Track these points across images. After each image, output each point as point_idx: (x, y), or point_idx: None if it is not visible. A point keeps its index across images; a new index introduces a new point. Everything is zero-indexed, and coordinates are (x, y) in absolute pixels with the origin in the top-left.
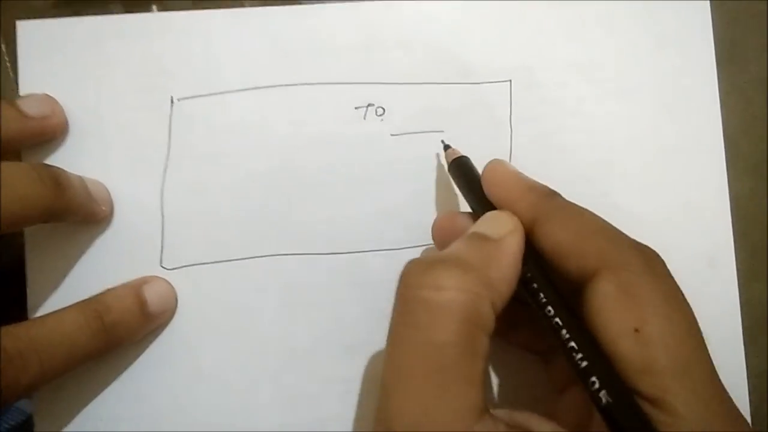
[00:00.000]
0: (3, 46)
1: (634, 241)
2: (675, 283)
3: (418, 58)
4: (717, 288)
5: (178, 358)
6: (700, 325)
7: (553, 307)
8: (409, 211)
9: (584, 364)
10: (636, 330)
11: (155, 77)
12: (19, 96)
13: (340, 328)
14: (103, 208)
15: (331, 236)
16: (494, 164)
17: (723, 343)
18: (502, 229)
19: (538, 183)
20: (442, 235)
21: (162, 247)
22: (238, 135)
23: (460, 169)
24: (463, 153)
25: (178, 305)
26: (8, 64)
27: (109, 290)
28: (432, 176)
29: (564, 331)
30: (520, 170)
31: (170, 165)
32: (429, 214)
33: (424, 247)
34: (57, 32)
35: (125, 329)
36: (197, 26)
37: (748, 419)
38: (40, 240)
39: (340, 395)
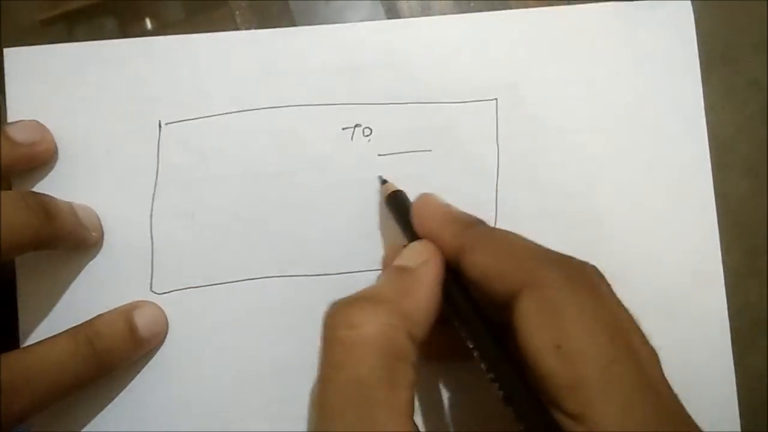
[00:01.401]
0: None
1: (559, 255)
2: (602, 292)
3: (404, 78)
4: (705, 299)
5: (169, 382)
6: (688, 336)
7: (472, 339)
8: (397, 231)
9: (501, 393)
10: (557, 346)
11: (143, 102)
12: (7, 123)
13: None
14: (93, 234)
15: (320, 257)
16: (422, 198)
17: (712, 352)
18: (418, 258)
19: (464, 214)
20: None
21: (152, 271)
22: (226, 158)
23: (395, 202)
24: (450, 172)
25: (169, 329)
26: None
27: (99, 316)
28: None
29: (483, 362)
30: (507, 187)
31: (159, 189)
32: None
33: None
34: (44, 58)
35: (116, 355)
36: (184, 50)
37: (739, 425)
38: (30, 267)
39: None
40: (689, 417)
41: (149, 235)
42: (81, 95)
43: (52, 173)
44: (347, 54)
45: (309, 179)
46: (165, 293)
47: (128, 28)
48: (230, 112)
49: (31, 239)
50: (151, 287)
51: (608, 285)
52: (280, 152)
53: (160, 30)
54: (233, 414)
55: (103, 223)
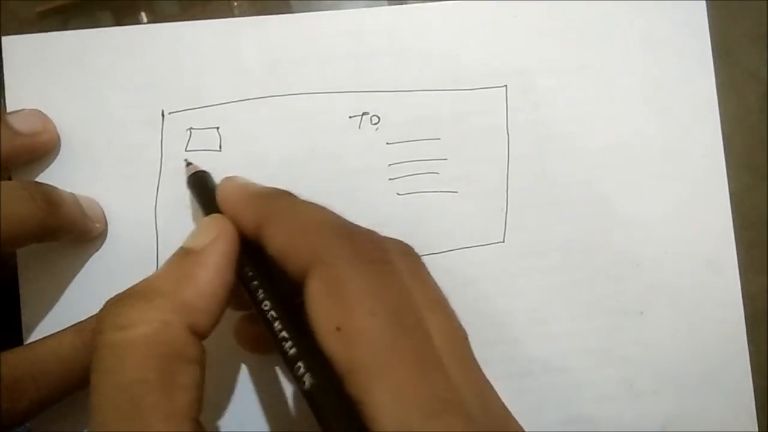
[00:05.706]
0: None
1: (355, 230)
2: (395, 268)
3: (412, 65)
4: (719, 288)
5: None
6: (703, 325)
7: (269, 302)
8: (406, 219)
9: (292, 351)
10: (338, 328)
11: (145, 90)
12: (8, 112)
13: None
14: (97, 225)
15: None
16: (225, 180)
17: (726, 342)
18: (205, 238)
19: (267, 188)
20: None
21: (157, 262)
22: (231, 147)
23: (198, 183)
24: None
25: None
26: None
27: None
28: (429, 184)
29: (277, 323)
30: (518, 176)
31: (163, 179)
32: (427, 223)
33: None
34: (43, 46)
35: None
36: (186, 38)
37: (755, 411)
38: (33, 259)
39: None
40: (482, 398)
41: (154, 225)
42: (82, 84)
43: (53, 164)
44: (354, 40)
45: (316, 168)
46: None
47: (123, 22)
48: (235, 101)
49: (34, 230)
50: None
51: (414, 262)
52: (286, 141)
53: (156, 23)
54: (239, 402)
55: (107, 214)
